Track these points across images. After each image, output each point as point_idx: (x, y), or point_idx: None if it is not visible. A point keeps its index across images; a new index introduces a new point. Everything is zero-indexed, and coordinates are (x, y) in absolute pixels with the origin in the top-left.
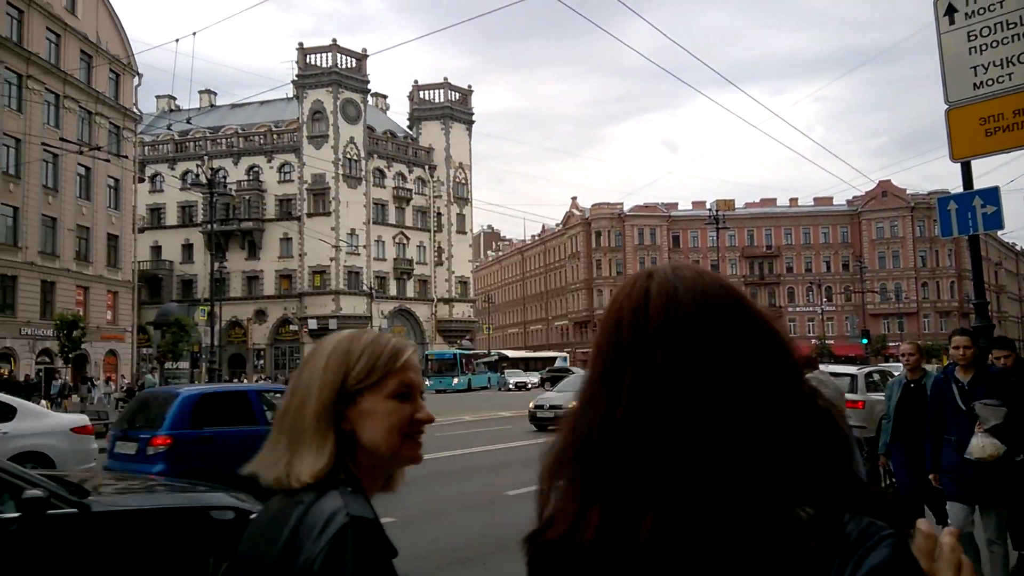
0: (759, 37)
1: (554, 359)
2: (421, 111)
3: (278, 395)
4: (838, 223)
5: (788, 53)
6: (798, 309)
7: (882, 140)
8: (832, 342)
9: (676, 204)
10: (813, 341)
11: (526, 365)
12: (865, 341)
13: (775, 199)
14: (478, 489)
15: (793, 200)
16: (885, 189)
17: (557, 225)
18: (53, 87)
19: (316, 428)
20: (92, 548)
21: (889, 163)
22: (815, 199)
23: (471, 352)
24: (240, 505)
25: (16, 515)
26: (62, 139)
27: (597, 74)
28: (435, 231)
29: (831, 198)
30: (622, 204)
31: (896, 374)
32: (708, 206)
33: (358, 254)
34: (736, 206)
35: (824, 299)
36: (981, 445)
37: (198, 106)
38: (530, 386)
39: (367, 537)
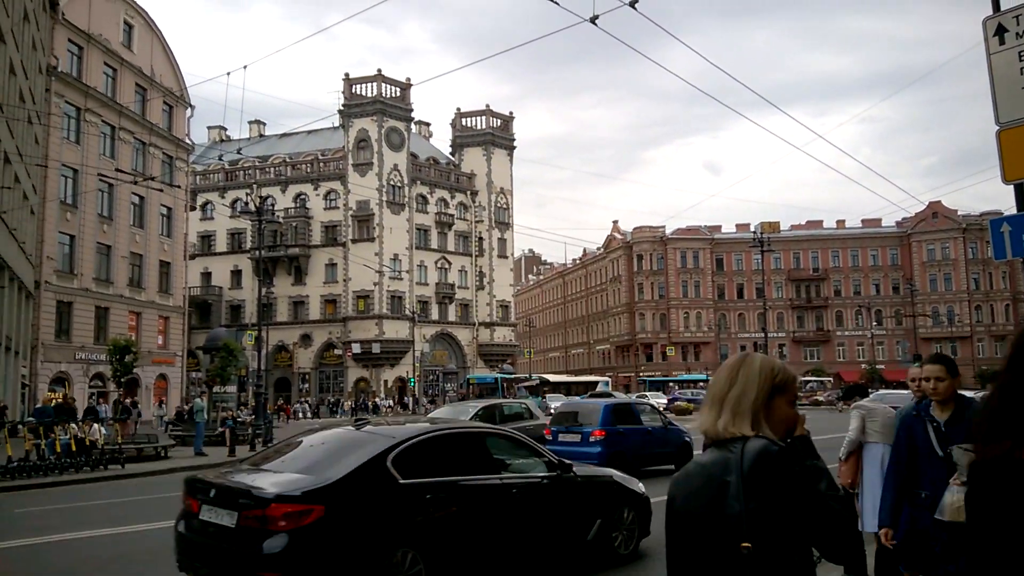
0: (801, 59)
1: (596, 383)
2: (463, 138)
3: (642, 406)
4: (887, 245)
5: (831, 74)
6: (847, 333)
7: (930, 160)
8: (883, 367)
9: (720, 227)
10: (863, 366)
11: (568, 389)
12: (917, 365)
13: (821, 221)
14: None
15: (840, 222)
16: (935, 210)
17: (598, 249)
18: (109, 119)
19: (752, 407)
20: (572, 497)
21: (938, 184)
22: (863, 221)
23: (512, 376)
24: (615, 476)
25: (546, 475)
26: (118, 170)
27: (637, 98)
28: (477, 255)
29: (879, 220)
30: (664, 227)
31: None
32: (753, 228)
33: (401, 279)
34: (781, 228)
35: (874, 323)
36: (956, 502)
37: (248, 136)
38: None
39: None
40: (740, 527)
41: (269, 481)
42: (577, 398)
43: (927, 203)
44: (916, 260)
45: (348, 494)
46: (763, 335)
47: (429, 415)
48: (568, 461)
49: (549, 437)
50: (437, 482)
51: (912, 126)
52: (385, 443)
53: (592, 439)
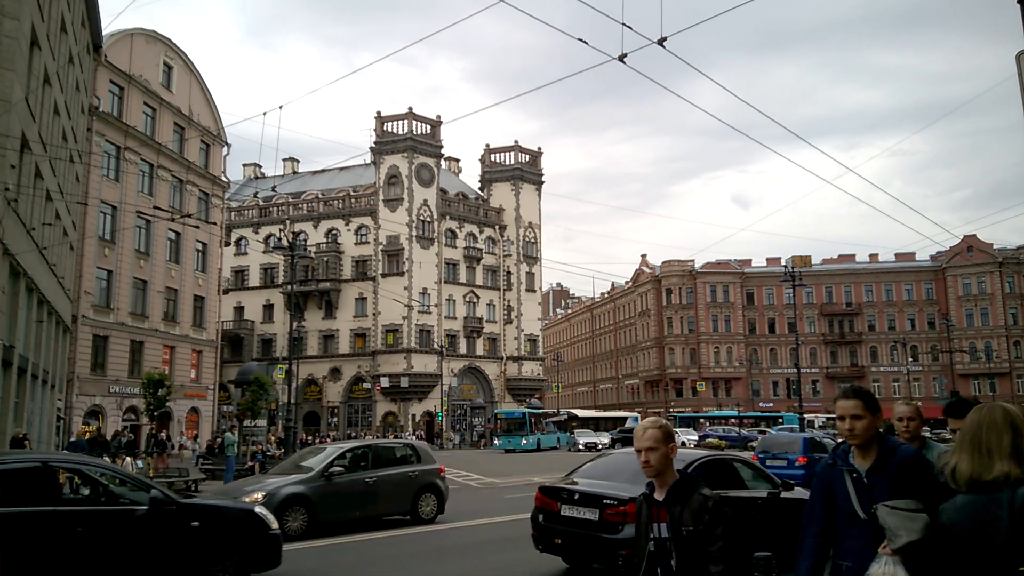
0: (830, 93)
1: (624, 419)
2: (492, 173)
3: (828, 440)
4: (922, 279)
5: (860, 108)
6: (882, 369)
7: (964, 194)
8: (919, 404)
9: (750, 260)
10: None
11: (596, 425)
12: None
13: (854, 255)
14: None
15: (873, 256)
16: (970, 244)
17: (627, 283)
18: (148, 157)
19: (1009, 452)
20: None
21: (972, 217)
22: (896, 255)
23: (540, 411)
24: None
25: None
26: (156, 207)
27: (664, 133)
28: (505, 290)
29: (914, 254)
30: (693, 261)
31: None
32: (784, 262)
33: (430, 313)
34: (813, 262)
35: (909, 358)
36: None
37: (282, 173)
38: (600, 447)
39: None
40: (1017, 554)
41: (618, 488)
42: (773, 430)
43: (962, 236)
44: (952, 294)
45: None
46: (796, 370)
47: (289, 458)
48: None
49: (756, 462)
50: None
51: (944, 159)
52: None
53: (797, 464)
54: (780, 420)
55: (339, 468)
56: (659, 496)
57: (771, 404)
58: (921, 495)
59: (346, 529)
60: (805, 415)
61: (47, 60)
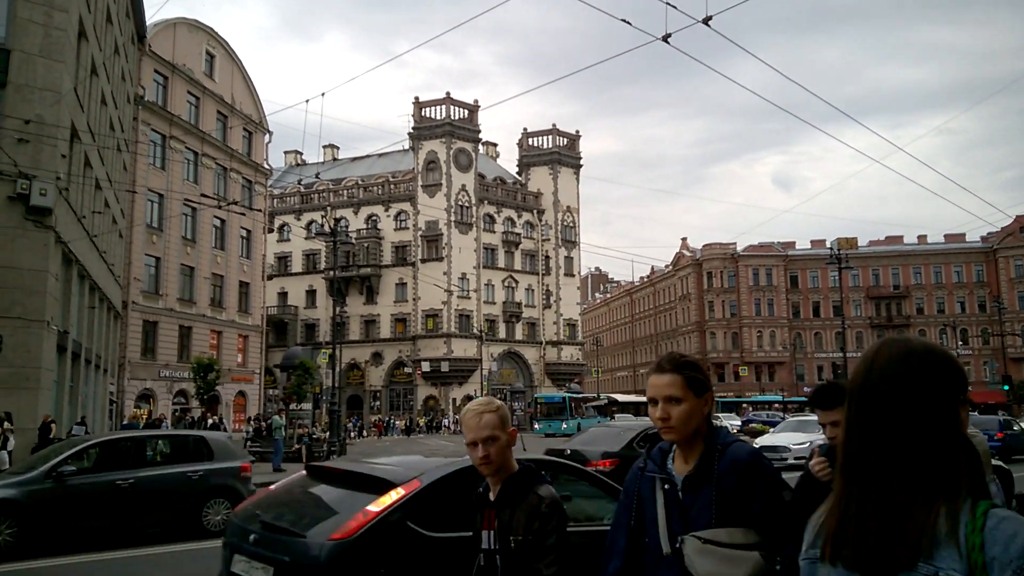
0: (873, 72)
1: None
2: (530, 157)
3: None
4: (972, 261)
5: (905, 87)
6: None
7: (1014, 173)
8: (970, 389)
9: (793, 243)
10: None
11: (636, 410)
12: (1007, 387)
13: (901, 236)
14: None
15: (922, 237)
16: (1023, 224)
17: (666, 266)
18: (192, 146)
19: None
20: None
21: (1021, 198)
22: (946, 236)
23: (580, 396)
24: None
25: None
26: (202, 195)
27: (701, 115)
28: (543, 274)
29: (963, 235)
30: (735, 244)
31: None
32: (828, 244)
33: (469, 298)
34: (859, 244)
35: (959, 342)
36: None
37: (322, 160)
38: None
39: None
40: None
41: (592, 448)
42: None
43: (1014, 217)
44: (1004, 276)
45: (624, 456)
46: (842, 355)
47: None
48: None
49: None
50: None
51: (992, 138)
52: (635, 431)
53: (996, 438)
54: None
55: (72, 467)
56: (492, 496)
57: None
58: (756, 519)
59: (87, 545)
60: None
61: (94, 51)
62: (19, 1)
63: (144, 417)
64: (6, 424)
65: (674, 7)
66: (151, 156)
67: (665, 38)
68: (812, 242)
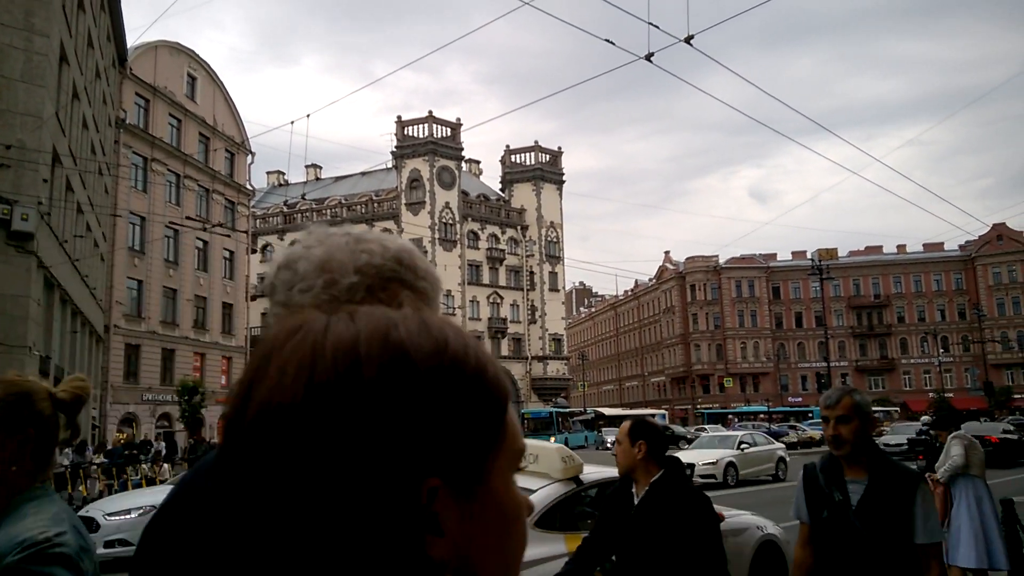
0: (845, 86)
1: (652, 416)
2: (513, 174)
3: None
4: (951, 269)
5: (878, 99)
6: (912, 361)
7: (988, 182)
8: (952, 395)
9: (775, 255)
10: (931, 395)
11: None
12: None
13: (881, 247)
14: None
15: (901, 247)
16: (1000, 233)
17: (650, 280)
18: (174, 168)
19: None
20: None
21: (996, 206)
22: (924, 245)
23: (567, 410)
24: None
25: None
26: (187, 217)
27: (678, 130)
28: (528, 290)
29: (942, 243)
30: (717, 256)
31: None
32: (809, 256)
33: (454, 314)
34: (839, 255)
35: (941, 350)
36: None
37: (305, 180)
38: None
39: None
40: None
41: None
42: (804, 425)
43: (991, 225)
44: (982, 284)
45: None
46: (825, 364)
47: None
48: None
49: None
50: None
51: (966, 148)
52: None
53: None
54: (810, 415)
55: None
56: None
57: (800, 399)
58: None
59: None
60: None
61: (75, 75)
62: None
63: (123, 440)
64: None
65: (656, 27)
66: (133, 179)
67: (648, 57)
68: (793, 253)
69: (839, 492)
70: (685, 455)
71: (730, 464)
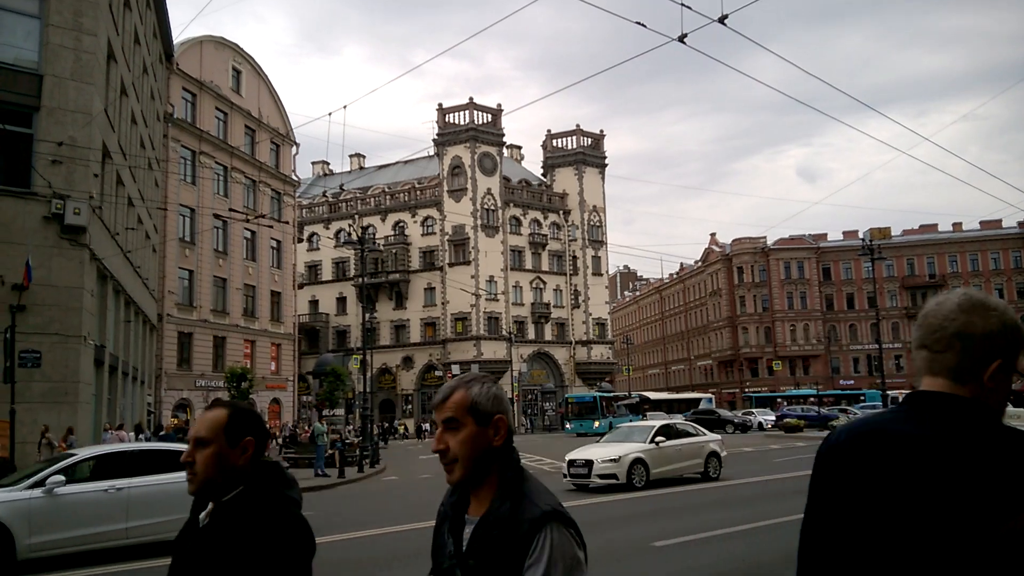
0: (894, 61)
1: (698, 400)
2: (554, 158)
3: None
4: (1009, 247)
5: (928, 74)
6: None
7: None
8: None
9: (825, 235)
10: None
11: (669, 407)
12: None
13: (936, 225)
14: (624, 539)
15: (957, 225)
16: None
17: (696, 262)
18: (222, 160)
19: None
20: None
21: None
22: (981, 223)
23: (611, 394)
24: None
25: None
26: (232, 209)
27: (722, 111)
28: (571, 274)
29: (1000, 221)
30: (765, 238)
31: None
32: (861, 235)
33: (497, 300)
34: (892, 234)
35: None
36: None
37: (348, 169)
38: None
39: None
40: None
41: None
42: (855, 408)
43: None
44: None
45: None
46: (877, 346)
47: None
48: None
49: None
50: None
51: (1021, 123)
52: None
53: None
54: (862, 397)
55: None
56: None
57: (852, 381)
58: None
59: (85, 560)
60: (888, 392)
61: (123, 72)
62: (50, 28)
63: (176, 425)
64: (47, 436)
65: (689, 7)
66: (181, 172)
67: (681, 38)
68: (844, 233)
69: (452, 540)
70: (588, 451)
71: (637, 461)
